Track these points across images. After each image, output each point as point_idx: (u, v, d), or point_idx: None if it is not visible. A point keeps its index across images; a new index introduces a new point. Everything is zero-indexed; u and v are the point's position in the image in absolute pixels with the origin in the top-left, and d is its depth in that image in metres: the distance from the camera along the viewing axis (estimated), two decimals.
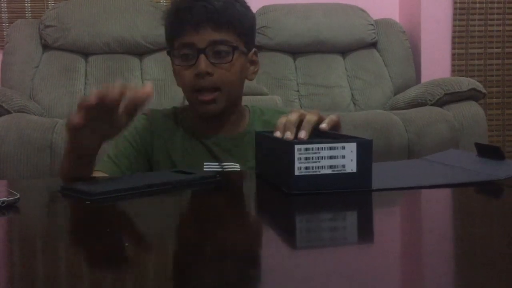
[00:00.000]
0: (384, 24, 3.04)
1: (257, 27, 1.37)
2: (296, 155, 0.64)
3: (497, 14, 3.03)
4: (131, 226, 0.59)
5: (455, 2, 3.01)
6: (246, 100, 1.16)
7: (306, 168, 0.65)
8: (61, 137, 2.08)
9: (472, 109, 2.47)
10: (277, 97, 2.34)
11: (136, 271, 0.42)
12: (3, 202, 0.60)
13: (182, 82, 1.04)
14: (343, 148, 0.66)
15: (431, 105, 2.52)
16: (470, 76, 2.87)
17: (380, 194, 0.69)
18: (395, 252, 0.48)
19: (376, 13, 3.05)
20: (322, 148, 0.65)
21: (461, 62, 3.04)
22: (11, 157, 2.05)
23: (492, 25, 3.04)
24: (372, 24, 2.99)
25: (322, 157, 0.65)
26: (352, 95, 2.90)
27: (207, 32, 1.01)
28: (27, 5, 2.87)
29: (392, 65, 2.97)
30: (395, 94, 2.89)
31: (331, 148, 0.66)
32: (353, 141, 0.67)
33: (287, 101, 2.76)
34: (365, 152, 0.68)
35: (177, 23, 1.03)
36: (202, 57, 1.00)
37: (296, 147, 0.64)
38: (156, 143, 1.08)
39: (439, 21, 3.01)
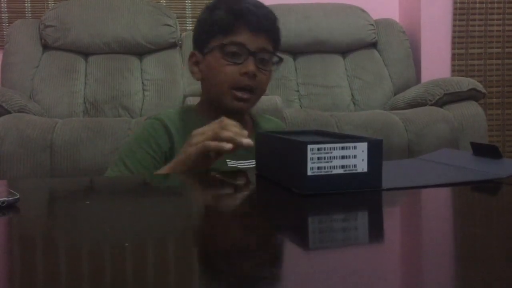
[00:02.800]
0: (384, 24, 3.04)
1: None
2: (309, 155, 0.64)
3: (497, 14, 3.04)
4: (132, 225, 0.59)
5: (455, 2, 3.02)
6: None
7: (319, 168, 0.65)
8: (61, 137, 2.07)
9: (472, 109, 2.48)
10: (277, 97, 2.34)
11: (137, 271, 0.42)
12: (3, 202, 0.60)
13: (222, 77, 1.10)
14: (355, 148, 0.66)
15: (431, 105, 2.53)
16: (470, 76, 2.88)
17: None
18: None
19: (376, 13, 3.05)
20: (334, 148, 0.65)
21: (461, 62, 3.04)
22: (11, 157, 2.05)
23: (492, 25, 3.04)
24: (372, 24, 3.00)
25: (334, 157, 0.65)
26: (352, 95, 2.90)
27: (261, 39, 1.10)
28: (27, 5, 2.87)
29: (392, 65, 2.97)
30: (395, 94, 2.90)
31: (343, 148, 0.66)
32: (364, 141, 0.67)
33: (287, 101, 2.76)
34: (375, 151, 0.67)
35: (235, 22, 1.09)
36: (252, 59, 1.09)
37: (309, 147, 0.64)
38: (172, 145, 1.10)
39: (439, 21, 3.02)
